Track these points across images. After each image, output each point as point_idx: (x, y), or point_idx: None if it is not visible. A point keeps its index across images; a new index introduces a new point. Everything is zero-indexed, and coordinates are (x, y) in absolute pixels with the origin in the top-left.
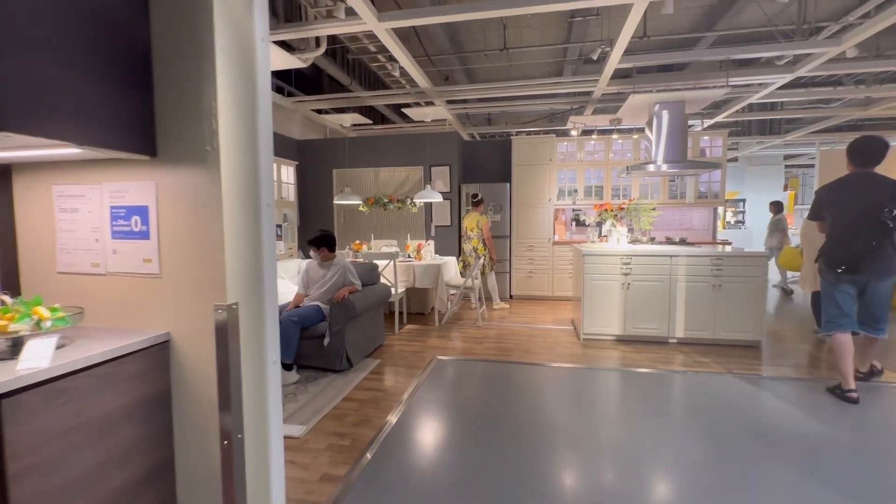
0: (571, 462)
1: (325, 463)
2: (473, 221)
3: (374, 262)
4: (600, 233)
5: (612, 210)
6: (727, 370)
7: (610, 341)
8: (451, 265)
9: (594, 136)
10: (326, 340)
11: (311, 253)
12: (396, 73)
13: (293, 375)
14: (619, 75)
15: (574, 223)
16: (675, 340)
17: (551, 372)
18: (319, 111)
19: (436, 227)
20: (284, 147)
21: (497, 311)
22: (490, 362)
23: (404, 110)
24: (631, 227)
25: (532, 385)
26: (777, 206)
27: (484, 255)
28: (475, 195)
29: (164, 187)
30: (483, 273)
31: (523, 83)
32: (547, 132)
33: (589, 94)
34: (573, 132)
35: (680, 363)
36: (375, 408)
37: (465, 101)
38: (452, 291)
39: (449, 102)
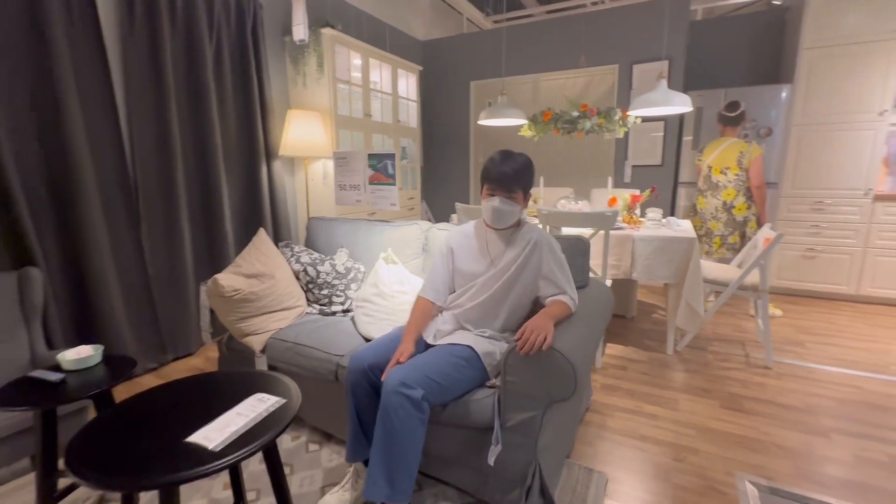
0: None
1: None
2: (732, 154)
3: (568, 231)
4: None
5: None
6: None
7: None
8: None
9: None
10: (493, 454)
11: (488, 202)
12: None
13: None
14: None
15: None
16: None
17: None
18: None
19: (633, 167)
20: (402, 48)
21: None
22: None
23: None
24: None
25: None
26: None
27: (752, 219)
28: (733, 105)
29: None
30: (736, 250)
31: None
32: None
33: None
34: None
35: None
36: None
37: None
38: (716, 290)
39: None
